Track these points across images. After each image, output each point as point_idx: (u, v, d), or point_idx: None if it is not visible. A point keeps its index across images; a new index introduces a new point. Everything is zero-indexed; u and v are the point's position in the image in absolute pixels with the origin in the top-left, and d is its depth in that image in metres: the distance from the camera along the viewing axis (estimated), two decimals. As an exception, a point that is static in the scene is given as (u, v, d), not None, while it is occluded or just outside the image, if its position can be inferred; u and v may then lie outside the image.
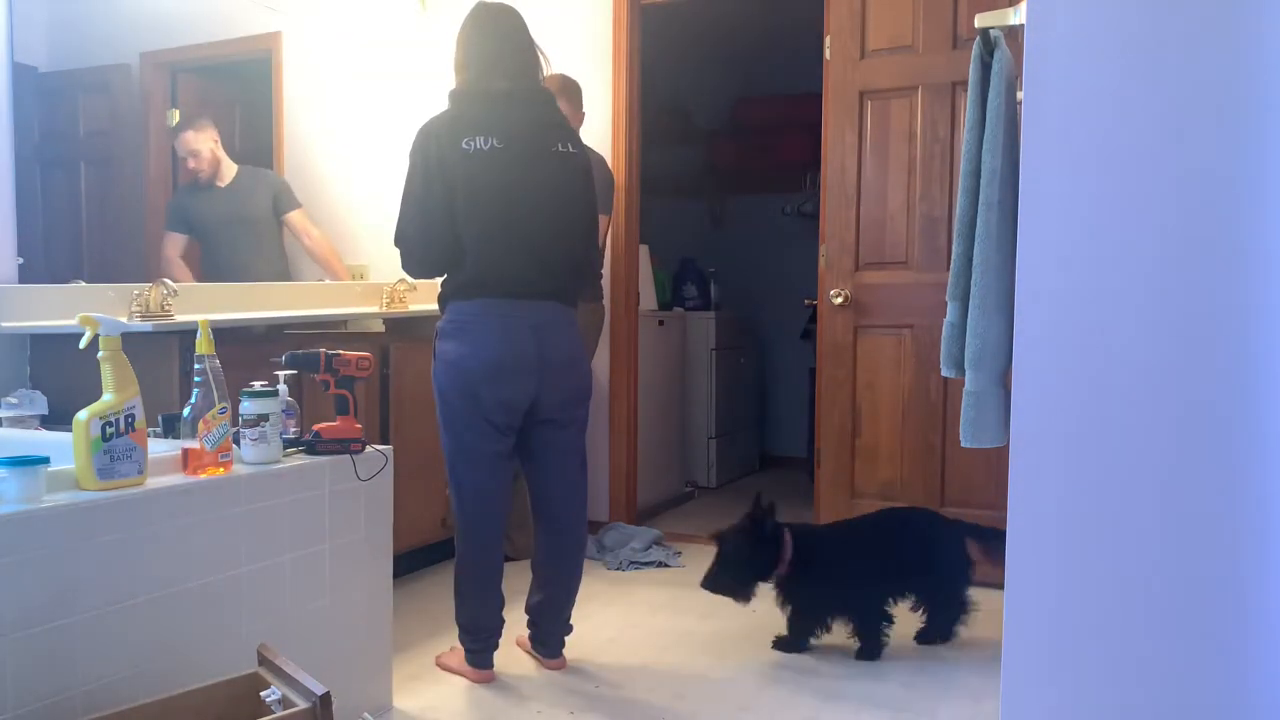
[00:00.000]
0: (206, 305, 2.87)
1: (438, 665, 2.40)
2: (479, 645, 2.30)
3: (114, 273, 2.79)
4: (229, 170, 3.11)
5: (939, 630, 2.60)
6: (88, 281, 2.65)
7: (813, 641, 2.57)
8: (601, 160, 3.24)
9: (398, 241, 2.25)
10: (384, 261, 3.64)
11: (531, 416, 2.25)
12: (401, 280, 3.42)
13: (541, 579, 2.38)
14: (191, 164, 3.02)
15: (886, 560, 2.52)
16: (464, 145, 2.15)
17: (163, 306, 2.60)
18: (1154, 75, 1.33)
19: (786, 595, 2.51)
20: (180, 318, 2.57)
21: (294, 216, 3.35)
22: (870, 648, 2.50)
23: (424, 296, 3.50)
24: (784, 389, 5.67)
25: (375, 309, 3.42)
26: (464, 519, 2.27)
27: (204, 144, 3.04)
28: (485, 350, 2.16)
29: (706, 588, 2.50)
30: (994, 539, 2.46)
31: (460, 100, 2.23)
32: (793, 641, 2.56)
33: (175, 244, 3.01)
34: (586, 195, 2.33)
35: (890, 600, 2.52)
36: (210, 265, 3.11)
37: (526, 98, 2.24)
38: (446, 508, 3.25)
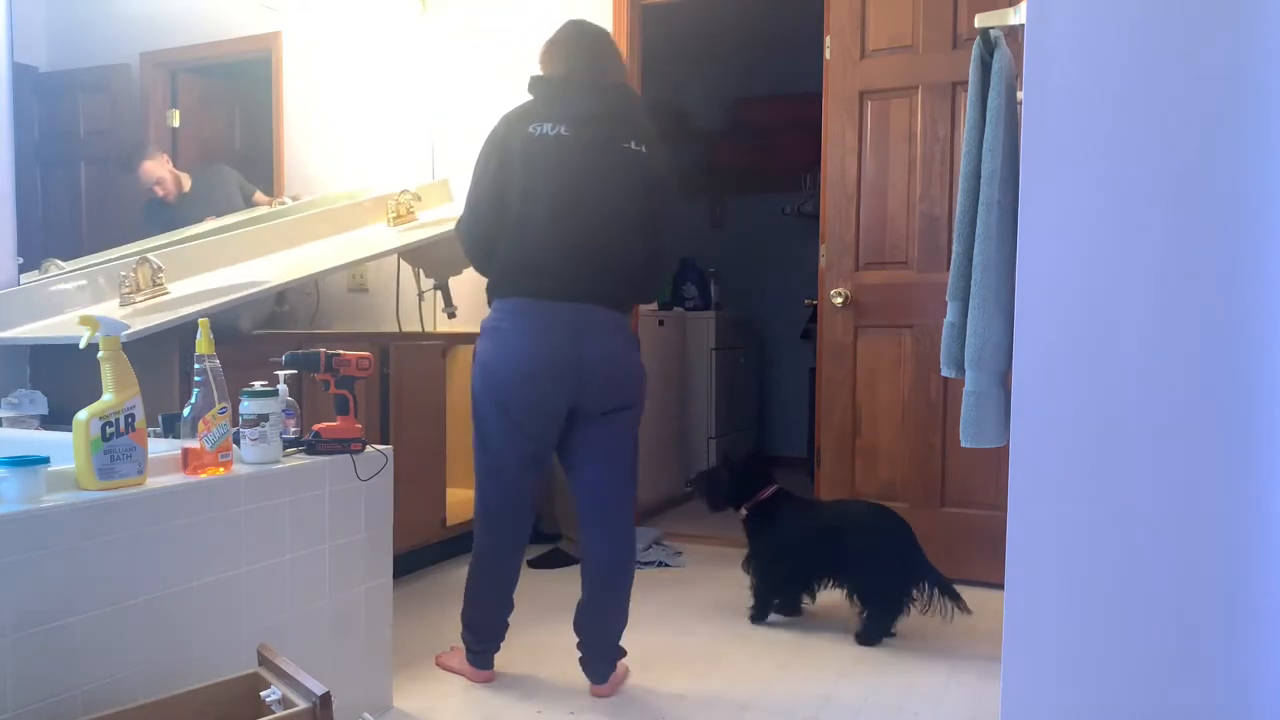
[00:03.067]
0: (197, 268, 2.73)
1: (438, 665, 2.39)
2: (481, 646, 2.28)
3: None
4: (185, 179, 3.08)
5: (870, 631, 2.61)
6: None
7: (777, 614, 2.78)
8: None
9: (457, 227, 2.21)
10: (384, 261, 3.63)
11: (572, 419, 2.16)
12: (405, 190, 3.26)
13: (586, 592, 2.25)
14: (160, 191, 2.99)
15: (826, 540, 2.65)
16: (530, 129, 2.09)
17: (154, 281, 2.53)
18: (1154, 75, 1.33)
19: (747, 532, 2.80)
20: (177, 292, 2.51)
21: (260, 195, 3.29)
22: (758, 609, 2.78)
23: (430, 202, 3.33)
24: (784, 389, 5.67)
25: (383, 224, 3.21)
26: (485, 520, 2.22)
27: (163, 169, 3.01)
28: (517, 353, 2.08)
29: (691, 480, 2.96)
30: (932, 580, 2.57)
31: (537, 86, 2.17)
32: (756, 609, 2.78)
33: None
34: (650, 198, 2.18)
35: (819, 579, 2.68)
36: None
37: (603, 89, 2.16)
38: (446, 508, 3.26)
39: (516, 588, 2.29)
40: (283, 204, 3.29)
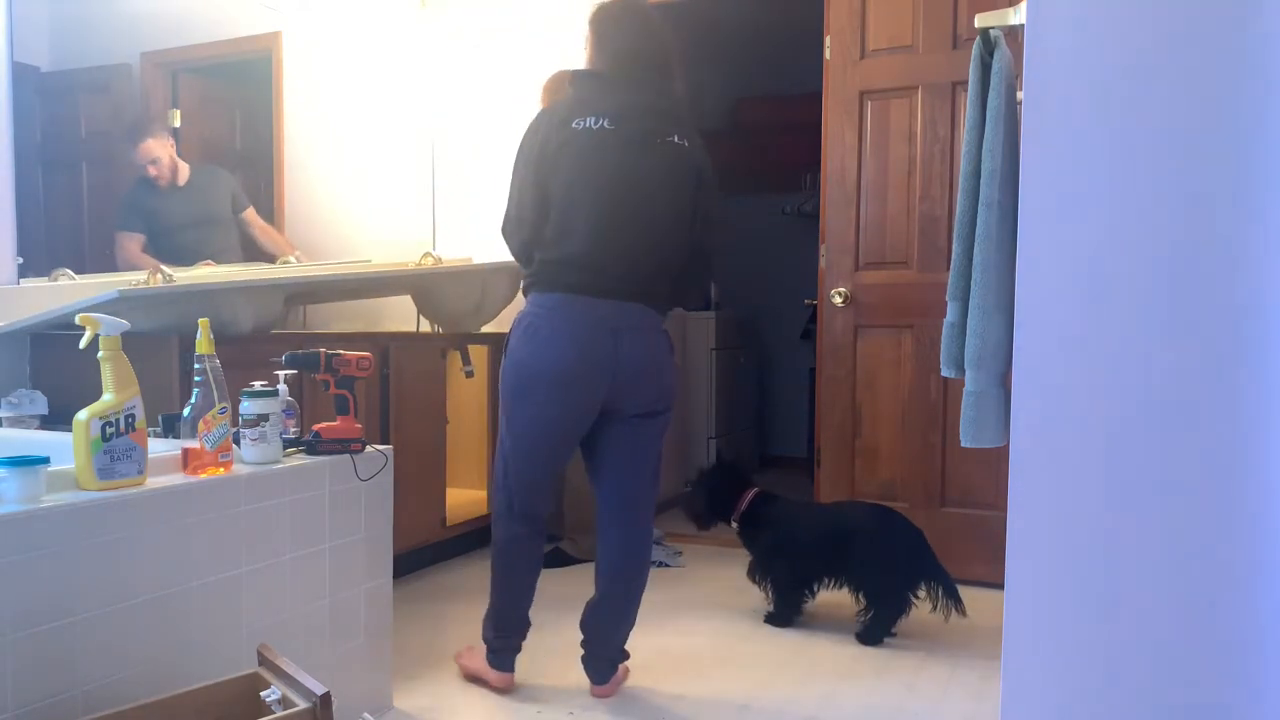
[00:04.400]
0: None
1: (457, 663, 2.33)
2: (500, 644, 2.22)
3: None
4: (184, 171, 3.07)
5: (872, 631, 2.61)
6: (88, 281, 2.65)
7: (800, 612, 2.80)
8: None
9: (501, 229, 2.17)
10: (388, 259, 3.63)
11: (602, 420, 2.13)
12: (427, 254, 3.32)
13: (599, 593, 2.24)
14: (153, 171, 2.97)
15: (831, 541, 2.65)
16: (575, 124, 2.04)
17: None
18: (1154, 74, 1.33)
19: (743, 541, 2.83)
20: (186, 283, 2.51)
21: (250, 214, 3.29)
22: (779, 613, 2.77)
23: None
24: (784, 389, 5.67)
25: (404, 271, 3.27)
26: (508, 514, 2.19)
27: (164, 151, 2.99)
28: (555, 353, 2.03)
29: (681, 505, 2.91)
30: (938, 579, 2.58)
31: (580, 82, 2.13)
32: (777, 614, 2.77)
33: (136, 242, 2.96)
34: (696, 196, 2.13)
35: (822, 580, 2.69)
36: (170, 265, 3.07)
37: (645, 82, 2.11)
38: (446, 508, 3.25)
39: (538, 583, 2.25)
40: (287, 261, 3.31)
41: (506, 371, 2.12)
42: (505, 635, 2.23)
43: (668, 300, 2.16)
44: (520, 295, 2.24)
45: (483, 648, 2.27)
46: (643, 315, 2.09)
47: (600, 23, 2.16)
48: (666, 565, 3.39)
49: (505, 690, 2.23)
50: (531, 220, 2.09)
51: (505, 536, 2.21)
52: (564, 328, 2.03)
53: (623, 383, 2.08)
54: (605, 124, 2.04)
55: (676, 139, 2.09)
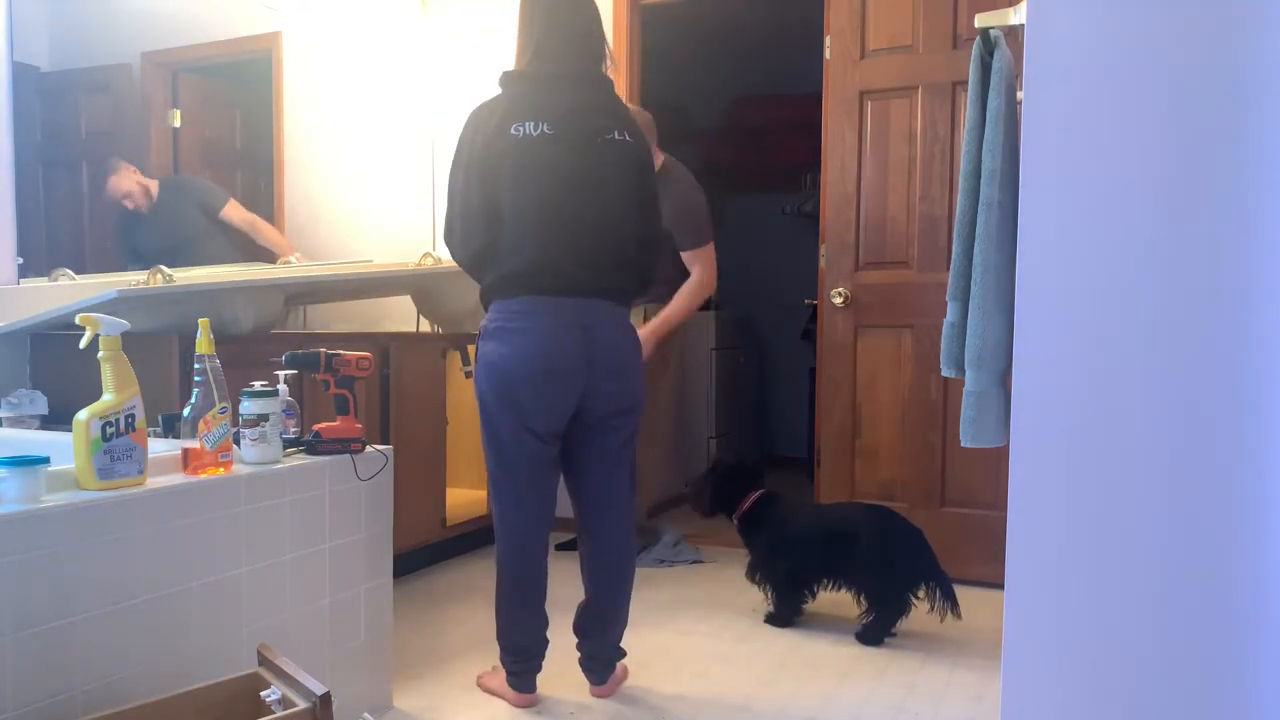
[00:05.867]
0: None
1: (479, 685, 2.28)
2: (519, 667, 2.16)
3: (116, 271, 2.79)
4: (154, 187, 3.03)
5: (872, 631, 2.61)
6: (88, 281, 2.65)
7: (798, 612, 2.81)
8: (689, 181, 3.07)
9: (445, 238, 2.14)
10: (388, 259, 3.63)
11: (576, 422, 2.10)
12: (427, 255, 3.33)
13: (589, 596, 2.22)
14: (130, 204, 2.94)
15: (830, 541, 2.66)
16: (513, 131, 2.01)
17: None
18: (1154, 75, 1.33)
19: (744, 540, 2.84)
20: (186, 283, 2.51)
21: (229, 210, 3.22)
22: (779, 614, 2.77)
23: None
24: (784, 389, 5.67)
25: (404, 270, 3.26)
26: (504, 533, 2.12)
27: (130, 181, 2.95)
28: (528, 351, 2.00)
29: (687, 487, 3.01)
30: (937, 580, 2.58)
31: (512, 83, 2.08)
32: (777, 615, 2.78)
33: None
34: (641, 188, 2.12)
35: (822, 581, 2.69)
36: None
37: (581, 81, 2.08)
38: (446, 508, 3.26)
39: (547, 599, 2.20)
40: (287, 261, 3.28)
41: (480, 377, 2.07)
42: (521, 660, 2.17)
43: (631, 295, 2.14)
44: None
45: (501, 668, 2.23)
46: (608, 311, 2.07)
47: (529, 16, 2.12)
48: (699, 562, 3.40)
49: (527, 707, 2.19)
50: (480, 232, 2.06)
51: (505, 556, 2.14)
52: (534, 326, 2.01)
53: (596, 379, 2.05)
54: (545, 128, 2.01)
55: (617, 135, 2.07)
